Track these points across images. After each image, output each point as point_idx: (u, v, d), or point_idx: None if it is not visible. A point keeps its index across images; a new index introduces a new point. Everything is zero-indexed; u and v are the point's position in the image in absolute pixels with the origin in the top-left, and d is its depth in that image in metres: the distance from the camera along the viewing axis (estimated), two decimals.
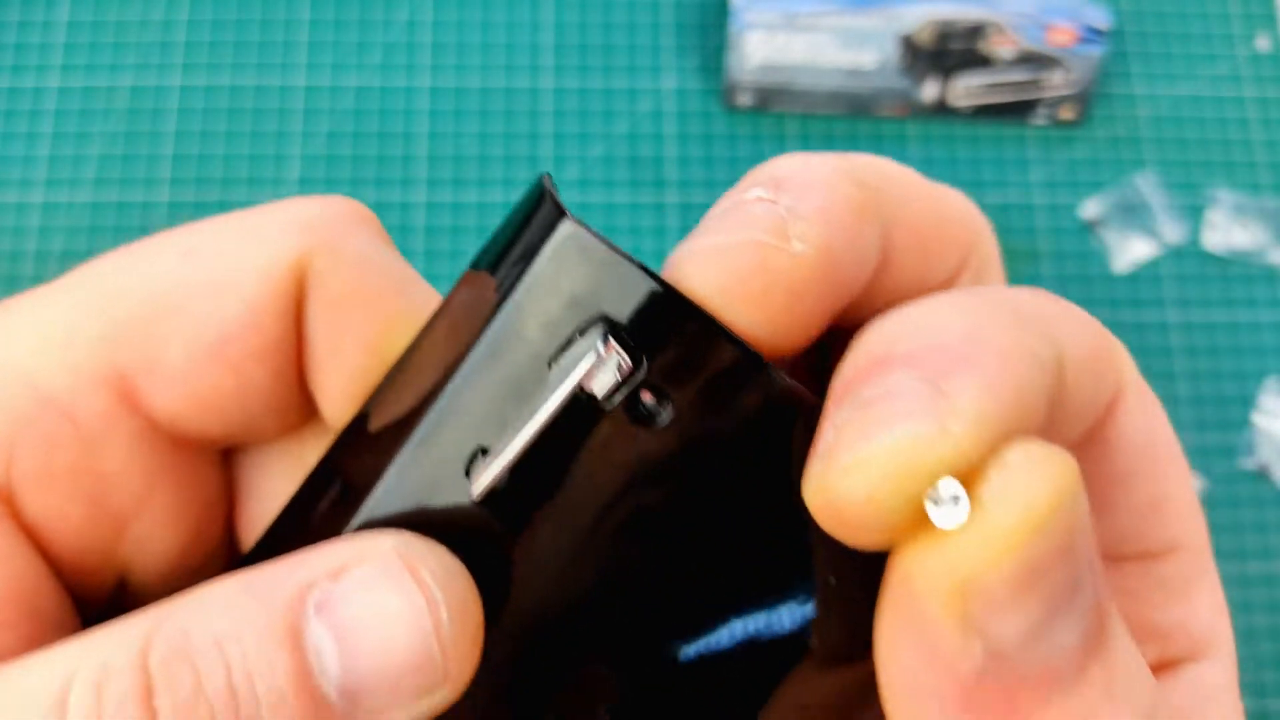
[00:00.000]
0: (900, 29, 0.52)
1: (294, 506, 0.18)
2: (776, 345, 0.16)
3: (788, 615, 0.16)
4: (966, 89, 0.53)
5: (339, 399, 0.18)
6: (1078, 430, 0.17)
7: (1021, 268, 0.52)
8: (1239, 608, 0.49)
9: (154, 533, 0.18)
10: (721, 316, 0.15)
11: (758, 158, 0.54)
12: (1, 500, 0.17)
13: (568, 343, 0.15)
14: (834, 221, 0.15)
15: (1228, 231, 0.53)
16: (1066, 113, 0.54)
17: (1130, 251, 0.53)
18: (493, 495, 0.15)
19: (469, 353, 0.15)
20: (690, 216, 0.52)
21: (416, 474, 0.16)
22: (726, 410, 0.15)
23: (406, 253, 0.50)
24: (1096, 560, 0.13)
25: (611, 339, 0.14)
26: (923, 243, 0.18)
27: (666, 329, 0.15)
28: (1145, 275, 0.53)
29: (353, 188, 0.52)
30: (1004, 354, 0.13)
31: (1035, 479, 0.12)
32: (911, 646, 0.13)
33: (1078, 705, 0.13)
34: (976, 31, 0.52)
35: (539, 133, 0.53)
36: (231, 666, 0.14)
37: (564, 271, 0.15)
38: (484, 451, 0.15)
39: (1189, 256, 0.53)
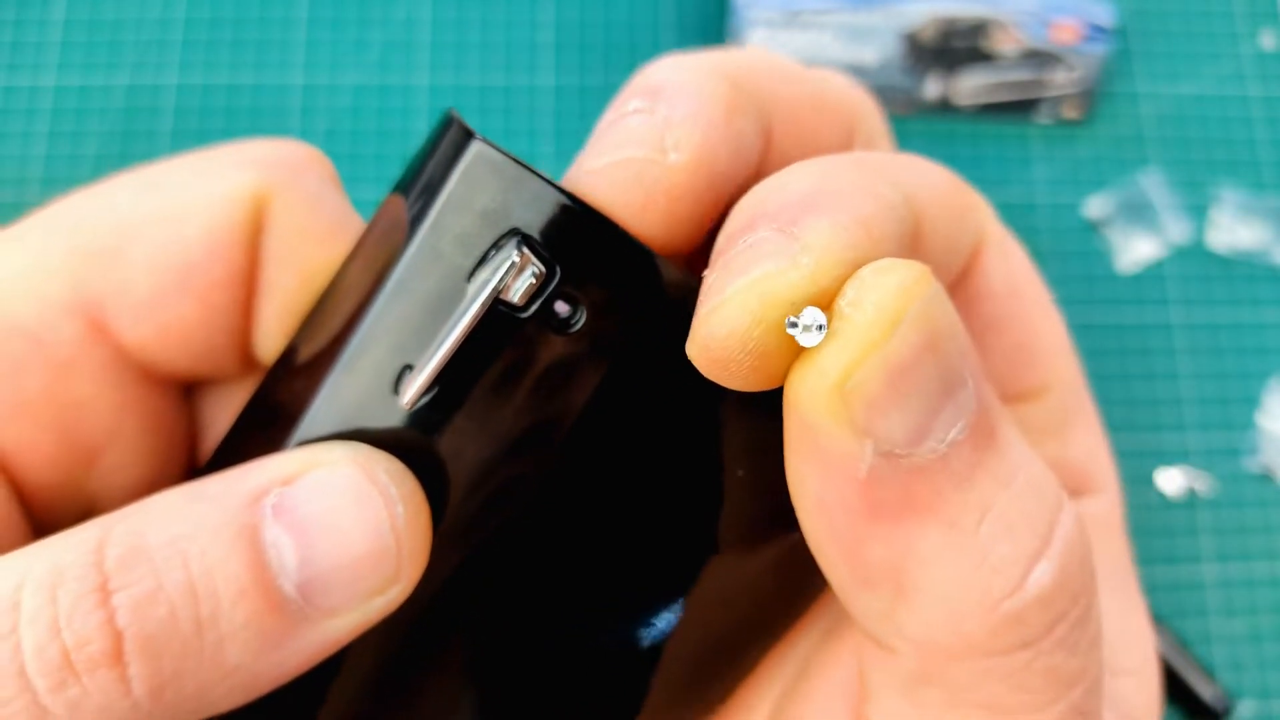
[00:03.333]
0: (903, 26, 0.52)
1: (232, 434, 0.18)
2: (672, 245, 0.16)
3: (699, 513, 0.17)
4: (970, 87, 0.53)
5: (274, 332, 0.18)
6: (942, 276, 0.17)
7: None
8: (1244, 610, 0.49)
9: (122, 465, 0.18)
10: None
11: None
12: None
13: (484, 257, 0.15)
14: (707, 125, 0.16)
15: (1233, 231, 0.53)
16: (1070, 111, 0.54)
17: (1134, 250, 0.53)
18: (421, 405, 0.16)
19: (390, 273, 0.16)
20: None
21: (348, 391, 0.16)
22: (633, 309, 0.16)
23: None
24: (974, 363, 0.14)
25: (525, 248, 0.15)
26: (802, 128, 0.18)
27: (574, 237, 0.15)
28: (1149, 274, 0.53)
29: (351, 187, 0.51)
30: (847, 194, 0.14)
31: (884, 280, 0.13)
32: (812, 467, 0.14)
33: (976, 497, 0.13)
34: (980, 29, 0.52)
35: (538, 131, 0.53)
36: (189, 564, 0.14)
37: (475, 189, 0.15)
38: (410, 366, 0.16)
39: (1193, 256, 0.53)
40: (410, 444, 0.16)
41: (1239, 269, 0.53)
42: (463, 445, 0.16)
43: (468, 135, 0.16)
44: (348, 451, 0.15)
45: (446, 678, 0.17)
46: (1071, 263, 0.52)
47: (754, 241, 0.14)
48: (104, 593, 0.14)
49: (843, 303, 0.13)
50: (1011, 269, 0.18)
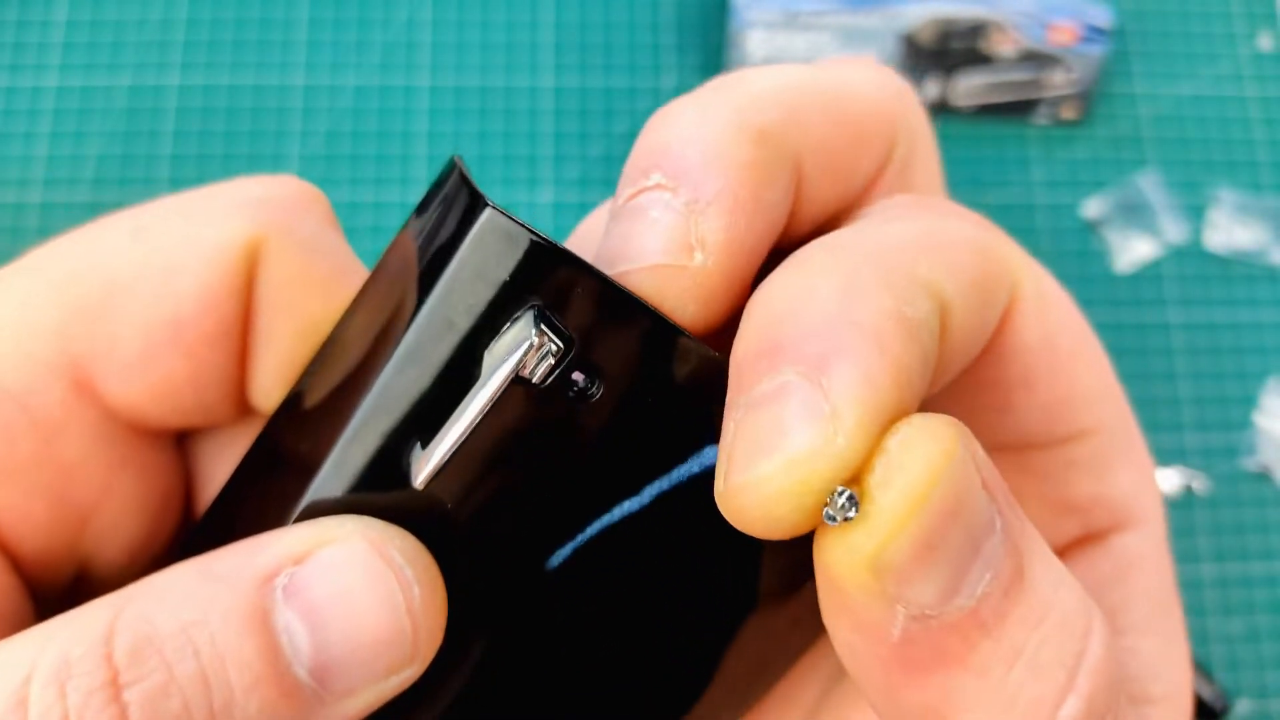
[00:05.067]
0: (901, 28, 0.52)
1: (234, 487, 0.18)
2: (704, 328, 0.16)
3: (724, 577, 0.17)
4: (967, 88, 0.53)
5: (272, 383, 0.18)
6: (971, 353, 0.17)
7: None
8: (1241, 609, 0.49)
9: (115, 523, 0.18)
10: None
11: None
12: None
13: (499, 328, 0.15)
14: (734, 212, 0.16)
15: (1230, 231, 0.53)
16: (1068, 112, 0.54)
17: (1132, 251, 0.53)
18: (435, 479, 0.15)
19: (400, 339, 0.15)
20: None
21: (357, 461, 0.16)
22: (653, 380, 0.15)
23: None
24: (1001, 494, 0.14)
25: (543, 325, 0.15)
26: (836, 164, 0.18)
27: (591, 309, 0.15)
28: (1147, 275, 0.53)
29: (351, 187, 0.51)
30: (879, 333, 0.14)
31: (912, 459, 0.13)
32: (845, 623, 0.14)
33: (1006, 644, 0.14)
34: (977, 30, 0.52)
35: (538, 132, 0.53)
36: (200, 652, 0.14)
37: (488, 258, 0.15)
38: (422, 439, 0.15)
39: (1191, 256, 0.53)
40: (422, 518, 0.16)
41: (1236, 269, 0.53)
42: (477, 519, 0.16)
43: (477, 199, 0.15)
44: (359, 527, 0.15)
45: None
46: (1069, 263, 0.52)
47: (779, 389, 0.13)
48: (115, 687, 0.13)
49: (872, 482, 0.13)
50: (1046, 319, 0.18)
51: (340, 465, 0.16)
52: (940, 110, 0.54)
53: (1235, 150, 0.55)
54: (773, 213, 0.16)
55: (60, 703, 0.13)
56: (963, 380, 0.18)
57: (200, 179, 0.52)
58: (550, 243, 0.15)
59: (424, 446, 0.15)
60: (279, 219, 0.17)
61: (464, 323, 0.15)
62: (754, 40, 0.52)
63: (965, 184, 0.53)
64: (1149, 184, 0.53)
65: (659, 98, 0.54)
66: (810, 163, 0.17)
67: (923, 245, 0.15)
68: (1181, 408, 0.51)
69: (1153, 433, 0.51)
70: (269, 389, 0.18)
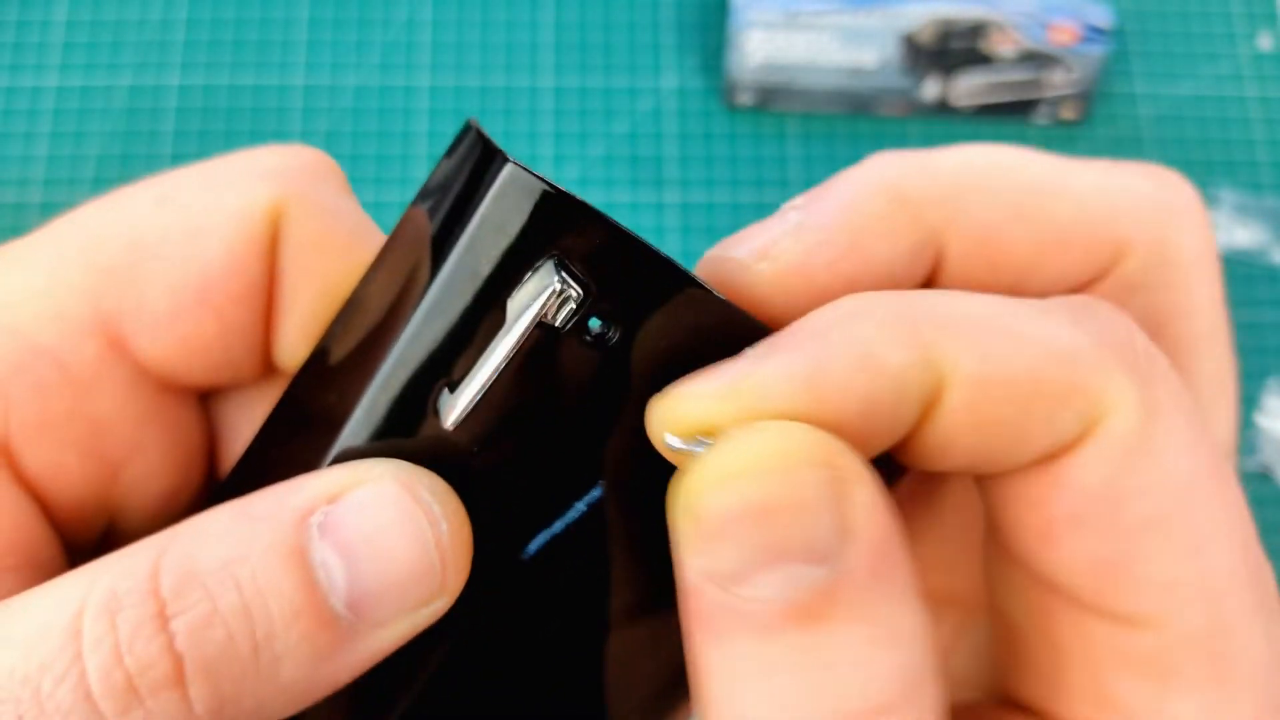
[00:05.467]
0: (901, 28, 0.52)
1: (264, 439, 0.19)
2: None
3: None
4: (968, 88, 0.53)
5: (296, 342, 0.19)
6: (992, 450, 0.15)
7: None
8: None
9: (145, 477, 0.18)
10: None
11: (758, 157, 0.53)
12: (2, 456, 0.17)
13: (521, 278, 0.16)
14: (828, 240, 0.16)
15: (1230, 231, 0.53)
16: (1068, 112, 0.54)
17: None
18: (463, 421, 0.16)
19: (425, 291, 0.16)
20: (690, 216, 0.52)
21: (386, 407, 0.16)
22: (666, 326, 0.16)
23: None
24: (871, 554, 0.14)
25: (564, 273, 0.15)
26: (998, 250, 0.17)
27: (608, 257, 0.16)
28: None
29: (352, 187, 0.51)
30: (825, 349, 0.15)
31: (750, 442, 0.14)
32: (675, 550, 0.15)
33: (764, 654, 0.14)
34: (978, 30, 0.52)
35: (539, 132, 0.53)
36: (243, 586, 0.15)
37: (509, 211, 0.16)
38: (450, 384, 0.16)
39: None
40: (448, 459, 0.16)
41: (1236, 269, 0.53)
42: (498, 459, 0.17)
43: (497, 154, 0.16)
44: (390, 469, 0.16)
45: (470, 677, 0.18)
46: None
47: (738, 358, 0.15)
48: (162, 618, 0.14)
49: (720, 440, 0.14)
50: (1122, 472, 0.15)
51: (369, 413, 0.16)
52: (940, 110, 0.54)
53: (1235, 150, 0.55)
54: (876, 265, 0.17)
55: (111, 633, 0.14)
56: (1014, 485, 0.16)
57: None
58: (567, 194, 0.16)
59: (451, 391, 0.16)
60: (299, 185, 0.18)
61: (487, 272, 0.16)
62: (754, 40, 0.52)
63: None
64: None
65: (659, 98, 0.54)
66: (958, 243, 0.17)
67: (959, 316, 0.15)
68: None
69: None
70: (293, 348, 0.19)
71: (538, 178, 0.15)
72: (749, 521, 0.14)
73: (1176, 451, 0.15)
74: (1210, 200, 0.54)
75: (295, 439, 0.18)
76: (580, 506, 0.17)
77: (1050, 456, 0.15)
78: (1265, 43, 0.56)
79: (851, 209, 0.17)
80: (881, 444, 0.15)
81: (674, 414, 0.15)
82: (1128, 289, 0.18)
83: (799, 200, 0.17)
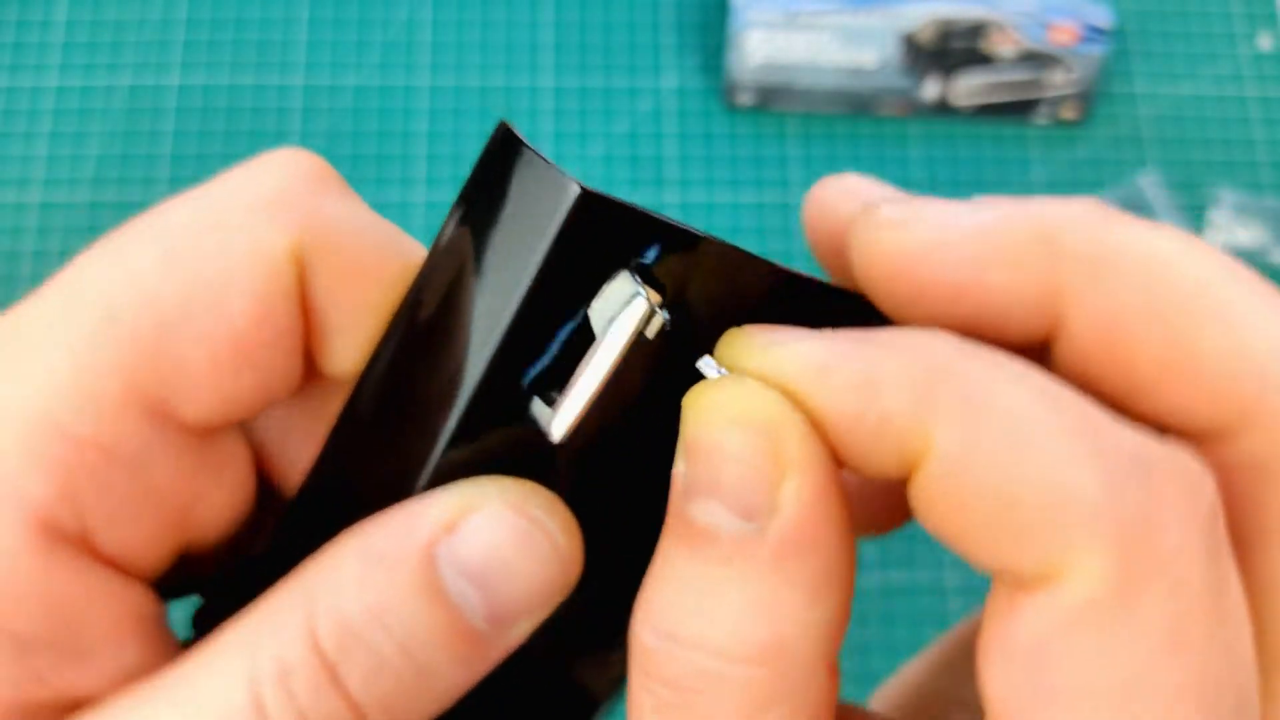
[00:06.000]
0: (901, 28, 0.52)
1: (335, 454, 0.19)
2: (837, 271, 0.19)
3: None
4: (968, 88, 0.53)
5: (346, 357, 0.19)
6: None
7: None
8: None
9: (208, 511, 0.19)
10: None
11: (758, 157, 0.53)
12: (85, 549, 0.17)
13: (598, 286, 0.17)
14: (956, 241, 0.17)
15: (1230, 231, 0.53)
16: (1068, 112, 0.54)
17: None
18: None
19: (501, 309, 0.17)
20: (690, 216, 0.52)
21: (478, 420, 0.17)
22: (736, 304, 0.17)
23: None
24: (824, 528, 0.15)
25: (640, 279, 0.16)
26: (1116, 348, 0.16)
27: (682, 254, 0.17)
28: None
29: (351, 187, 0.51)
30: (848, 350, 0.15)
31: (731, 387, 0.16)
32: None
33: (677, 559, 0.16)
34: (978, 30, 0.52)
35: (539, 132, 0.53)
36: (397, 631, 0.16)
37: (580, 231, 0.16)
38: (542, 395, 0.17)
39: None
40: (544, 464, 0.18)
41: None
42: (590, 456, 0.18)
43: (560, 177, 0.16)
44: (498, 491, 0.17)
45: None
46: None
47: (800, 331, 0.16)
48: (335, 678, 0.16)
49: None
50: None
51: (461, 427, 0.17)
52: (940, 110, 0.54)
53: (1235, 150, 0.55)
54: (991, 291, 0.17)
55: (292, 700, 0.16)
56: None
57: (200, 180, 0.52)
58: (634, 209, 0.16)
59: (548, 403, 0.17)
60: (309, 209, 0.18)
61: (565, 288, 0.17)
62: (754, 40, 0.52)
63: (966, 185, 0.53)
64: (1149, 184, 0.53)
65: (659, 98, 0.54)
66: (1076, 315, 0.16)
67: (986, 393, 0.14)
68: None
69: None
70: (343, 362, 0.19)
71: (595, 193, 0.16)
72: (702, 449, 0.15)
73: (1137, 664, 0.13)
74: (1210, 200, 0.54)
75: (375, 453, 0.18)
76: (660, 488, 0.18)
77: (1006, 582, 0.14)
78: (1265, 43, 0.56)
79: (996, 228, 0.17)
80: (866, 467, 0.15)
81: (719, 347, 0.17)
82: (1241, 464, 0.15)
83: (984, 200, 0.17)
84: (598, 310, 0.17)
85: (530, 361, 0.17)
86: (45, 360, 0.17)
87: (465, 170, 0.57)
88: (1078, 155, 0.54)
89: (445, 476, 0.17)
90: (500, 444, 0.17)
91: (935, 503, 0.14)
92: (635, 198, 0.52)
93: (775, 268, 0.17)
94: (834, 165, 0.53)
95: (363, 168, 0.52)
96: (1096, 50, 0.52)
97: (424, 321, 0.18)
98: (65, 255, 0.55)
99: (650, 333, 0.16)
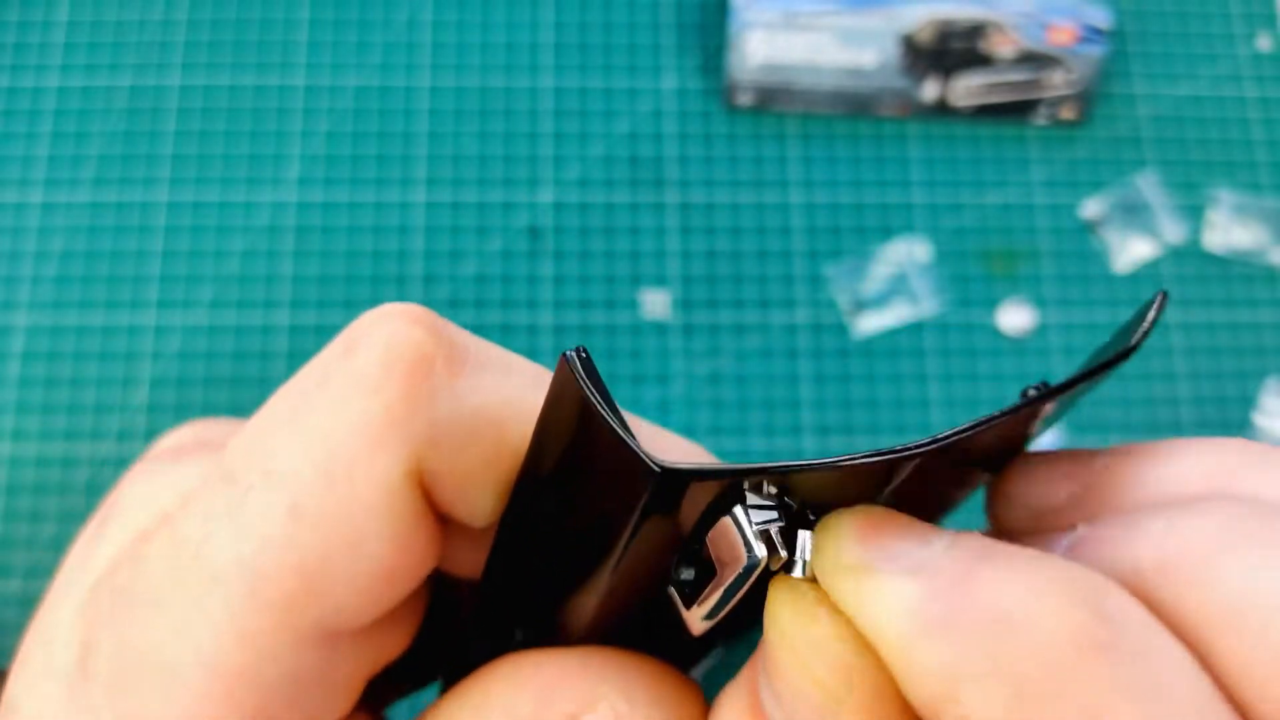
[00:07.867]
0: (900, 28, 0.52)
1: (484, 606, 0.21)
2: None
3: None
4: (967, 88, 0.53)
5: (488, 516, 0.19)
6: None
7: (1022, 268, 0.52)
8: None
9: (393, 650, 0.21)
10: None
11: (758, 157, 0.54)
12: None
13: (711, 525, 0.17)
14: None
15: (1228, 231, 0.53)
16: (1067, 112, 0.54)
17: (1131, 251, 0.53)
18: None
19: (626, 546, 0.17)
20: (690, 216, 0.52)
21: (616, 616, 0.19)
22: (843, 486, 0.18)
23: (407, 253, 0.50)
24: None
25: (750, 515, 0.17)
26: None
27: (782, 492, 0.17)
28: (1146, 275, 0.53)
29: (352, 188, 0.51)
30: (926, 620, 0.14)
31: (805, 627, 0.16)
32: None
33: None
34: (977, 31, 0.52)
35: (539, 132, 0.53)
36: None
37: (700, 499, 0.16)
38: (681, 588, 0.18)
39: (1189, 256, 0.53)
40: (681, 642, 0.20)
41: (1235, 269, 0.53)
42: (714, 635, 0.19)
43: (671, 474, 0.15)
44: (621, 686, 0.19)
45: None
46: (1068, 263, 0.52)
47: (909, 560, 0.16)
48: None
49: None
50: None
51: (600, 617, 0.19)
52: (939, 111, 0.54)
53: (1234, 150, 0.55)
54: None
55: None
56: None
57: (201, 179, 0.52)
58: (729, 468, 0.16)
59: (687, 607, 0.18)
60: (421, 424, 0.17)
61: (691, 532, 0.17)
62: (753, 41, 0.52)
63: (965, 185, 0.53)
64: (1148, 184, 0.54)
65: (659, 98, 0.54)
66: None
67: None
68: (1181, 408, 0.51)
69: (1152, 433, 0.51)
70: (476, 519, 0.19)
71: (685, 470, 0.16)
72: (776, 679, 0.16)
73: None
74: (1208, 200, 0.54)
75: (511, 611, 0.20)
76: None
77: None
78: (1265, 43, 0.56)
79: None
80: None
81: (818, 532, 0.16)
82: None
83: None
84: (718, 544, 0.17)
85: (653, 608, 0.18)
86: (204, 631, 0.17)
87: (465, 170, 0.57)
88: (1077, 155, 0.54)
89: (590, 621, 0.19)
90: (645, 631, 0.19)
91: None
92: (635, 198, 0.52)
93: (884, 460, 0.16)
94: (834, 165, 0.53)
95: (363, 168, 0.52)
96: (1095, 51, 0.52)
97: (551, 482, 0.18)
98: (66, 256, 0.55)
99: (773, 566, 0.17)
